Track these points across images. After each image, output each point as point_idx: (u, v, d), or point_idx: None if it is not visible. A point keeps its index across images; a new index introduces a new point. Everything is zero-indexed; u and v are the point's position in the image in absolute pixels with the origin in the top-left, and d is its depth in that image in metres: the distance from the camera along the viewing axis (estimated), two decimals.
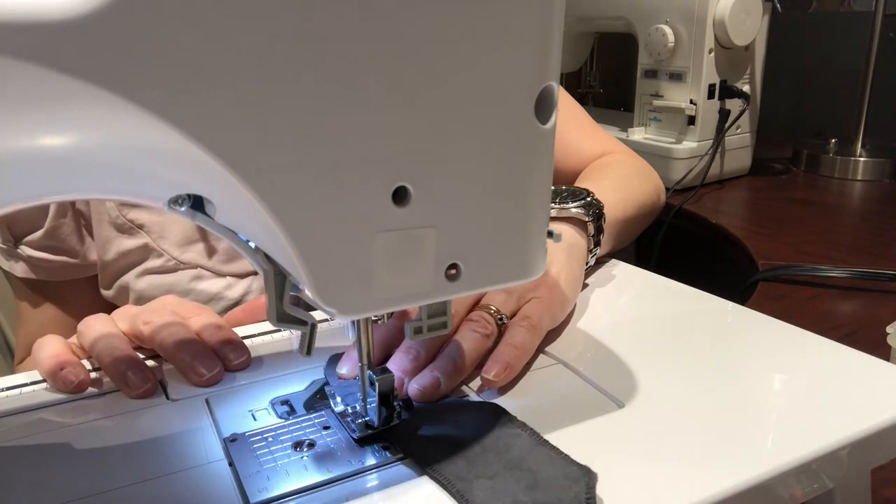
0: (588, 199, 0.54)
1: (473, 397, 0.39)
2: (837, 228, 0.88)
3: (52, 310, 0.70)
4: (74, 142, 0.23)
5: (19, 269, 0.66)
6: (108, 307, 0.69)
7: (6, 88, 0.21)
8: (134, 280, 0.65)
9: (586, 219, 0.53)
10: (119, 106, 0.22)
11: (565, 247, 0.50)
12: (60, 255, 0.66)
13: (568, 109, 0.82)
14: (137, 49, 0.21)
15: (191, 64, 0.22)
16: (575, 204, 0.53)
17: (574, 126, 0.80)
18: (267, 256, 0.29)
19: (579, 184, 0.64)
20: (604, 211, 0.55)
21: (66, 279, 0.68)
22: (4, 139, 0.22)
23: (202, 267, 0.65)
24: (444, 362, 0.39)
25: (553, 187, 0.55)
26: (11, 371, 1.06)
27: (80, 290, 0.70)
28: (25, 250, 0.65)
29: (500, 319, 0.43)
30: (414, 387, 0.38)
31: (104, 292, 0.68)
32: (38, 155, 0.23)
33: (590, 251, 0.54)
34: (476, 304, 0.44)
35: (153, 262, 0.64)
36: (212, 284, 0.65)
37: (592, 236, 0.54)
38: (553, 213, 0.52)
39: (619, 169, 0.72)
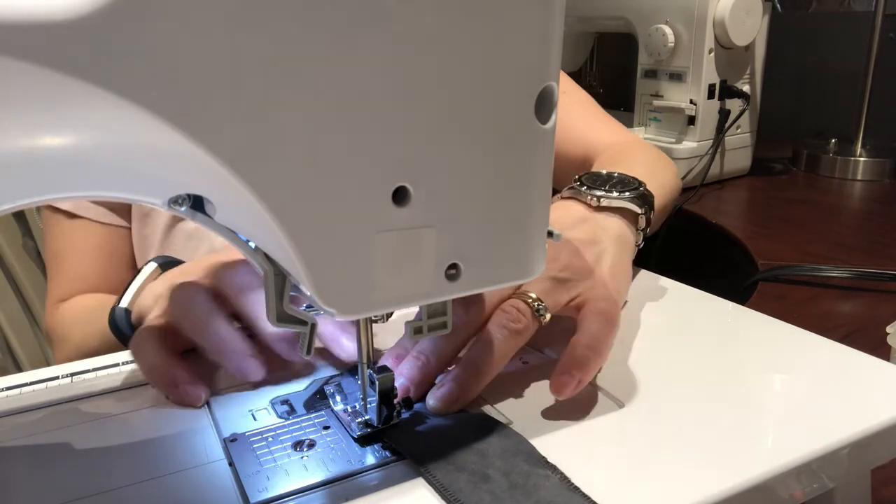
0: (640, 189, 0.48)
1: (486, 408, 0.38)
2: (837, 228, 0.88)
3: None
4: (74, 142, 0.23)
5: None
6: None
7: (6, 88, 0.21)
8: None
9: (639, 211, 0.47)
10: (119, 106, 0.22)
11: (615, 239, 0.45)
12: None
13: (575, 96, 0.77)
14: (137, 49, 0.21)
15: (191, 64, 0.22)
16: (628, 194, 0.47)
17: (581, 113, 0.75)
18: (267, 256, 0.29)
19: (600, 169, 0.56)
20: (654, 204, 0.49)
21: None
22: (4, 139, 0.22)
23: None
24: (465, 370, 0.37)
25: (601, 171, 0.51)
26: (16, 362, 1.05)
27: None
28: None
29: (539, 310, 0.38)
30: (431, 402, 0.36)
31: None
32: (38, 155, 0.23)
33: (637, 245, 0.49)
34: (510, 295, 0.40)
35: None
36: None
37: (642, 230, 0.48)
38: (604, 202, 0.47)
39: (643, 154, 0.67)
